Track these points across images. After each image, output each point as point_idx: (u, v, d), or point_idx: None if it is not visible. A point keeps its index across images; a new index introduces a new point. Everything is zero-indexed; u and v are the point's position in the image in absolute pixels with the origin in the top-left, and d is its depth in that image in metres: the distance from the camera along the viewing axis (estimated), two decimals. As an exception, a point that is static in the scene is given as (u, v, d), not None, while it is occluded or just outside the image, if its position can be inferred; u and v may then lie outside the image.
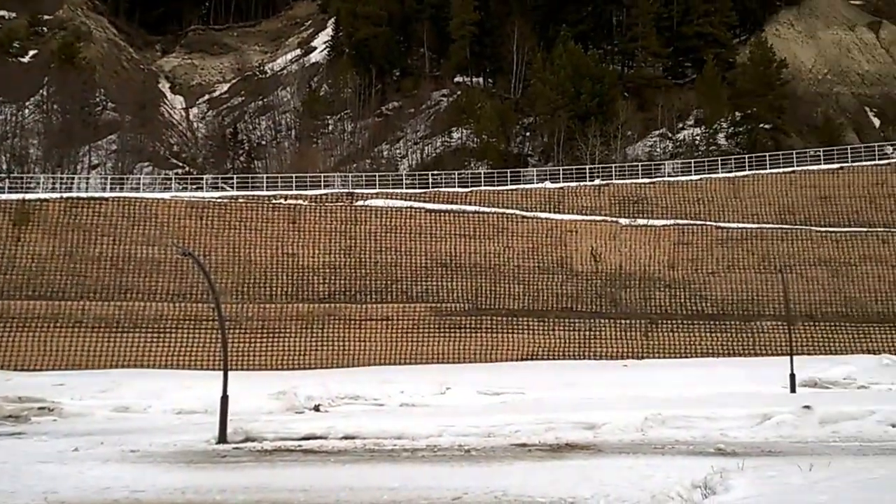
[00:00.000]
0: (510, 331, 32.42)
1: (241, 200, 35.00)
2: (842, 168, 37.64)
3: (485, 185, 39.39)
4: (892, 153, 42.60)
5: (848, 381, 25.98)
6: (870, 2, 66.79)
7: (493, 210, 35.63)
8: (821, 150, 40.81)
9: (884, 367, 29.02)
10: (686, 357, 32.23)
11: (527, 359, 31.58)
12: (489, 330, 32.41)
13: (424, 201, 35.99)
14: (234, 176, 43.68)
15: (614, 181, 38.92)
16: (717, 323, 33.51)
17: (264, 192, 37.42)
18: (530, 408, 18.76)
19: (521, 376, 25.92)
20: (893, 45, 59.40)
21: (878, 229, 35.08)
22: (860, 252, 34.47)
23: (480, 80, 62.45)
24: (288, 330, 31.11)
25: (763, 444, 13.54)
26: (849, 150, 40.03)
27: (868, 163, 38.31)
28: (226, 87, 73.09)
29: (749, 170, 38.69)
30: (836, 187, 36.92)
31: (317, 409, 20.10)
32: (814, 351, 31.85)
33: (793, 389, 21.26)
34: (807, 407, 15.61)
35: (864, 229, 35.15)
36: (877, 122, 53.36)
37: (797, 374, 22.58)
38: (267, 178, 41.36)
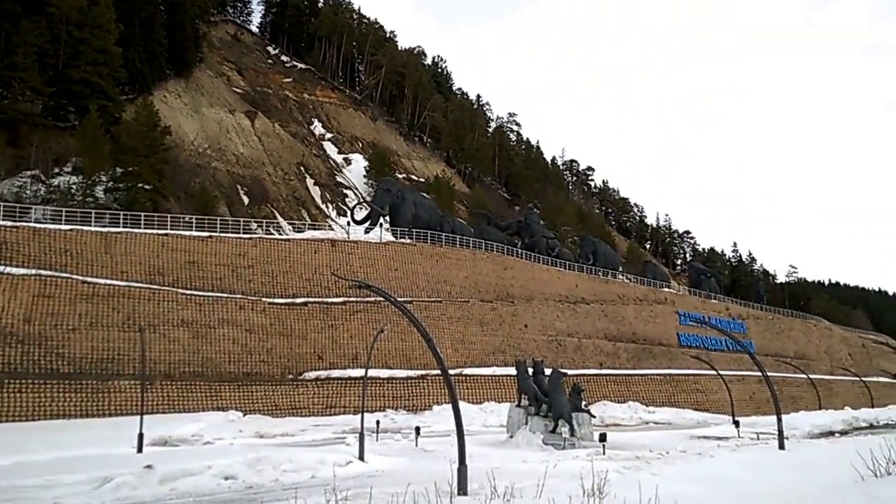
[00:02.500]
0: None
1: None
2: (211, 237, 40.53)
3: None
4: (255, 229, 48.07)
5: (196, 437, 27.31)
6: (248, 93, 75.76)
7: None
8: (194, 217, 43.31)
9: (229, 422, 31.62)
10: (37, 420, 29.31)
11: None
12: None
13: None
14: None
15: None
16: (74, 382, 31.49)
17: None
18: None
19: None
20: (265, 135, 68.26)
21: (237, 296, 38.69)
22: (219, 316, 37.33)
23: None
24: None
25: (99, 510, 12.92)
26: (219, 221, 43.60)
27: (234, 235, 42.30)
28: None
29: (124, 227, 38.28)
30: (204, 254, 39.44)
31: None
32: (170, 409, 32.71)
33: (140, 450, 21.10)
34: (149, 466, 15.61)
35: (225, 295, 38.33)
36: (246, 199, 59.79)
37: (151, 433, 22.65)
38: None
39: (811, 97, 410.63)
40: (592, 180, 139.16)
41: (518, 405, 28.64)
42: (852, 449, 13.09)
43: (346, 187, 74.17)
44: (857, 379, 70.01)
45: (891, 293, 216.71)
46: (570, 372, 40.07)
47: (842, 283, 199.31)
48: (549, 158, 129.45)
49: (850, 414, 49.06)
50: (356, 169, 77.79)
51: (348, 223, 51.86)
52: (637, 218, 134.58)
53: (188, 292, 37.17)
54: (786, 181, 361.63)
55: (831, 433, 35.39)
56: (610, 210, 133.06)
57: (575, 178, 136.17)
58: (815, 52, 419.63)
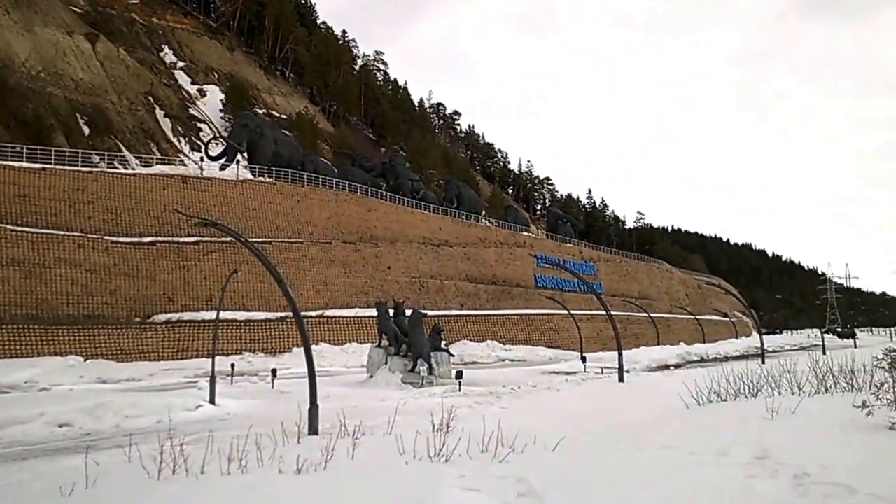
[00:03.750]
0: None
1: None
2: (45, 169, 37.03)
3: None
4: (97, 162, 44.42)
5: (30, 383, 25.42)
6: (89, 13, 68.97)
7: None
8: (26, 147, 39.32)
9: (69, 367, 29.64)
10: None
11: None
12: None
13: None
14: None
15: None
16: None
17: None
18: None
19: None
20: (108, 60, 62.59)
21: (75, 234, 35.85)
22: (56, 254, 34.49)
23: None
24: None
25: None
26: (54, 152, 39.80)
27: (71, 167, 38.86)
28: None
29: (-60, 155, 34.18)
30: (37, 187, 36.06)
31: None
32: (1, 355, 30.22)
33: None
34: (-32, 417, 14.29)
35: (62, 232, 35.39)
36: (87, 130, 54.98)
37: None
38: None
39: (660, 54, 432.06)
40: (458, 125, 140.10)
41: (378, 346, 28.79)
42: (682, 381, 14.12)
43: (201, 121, 70.05)
44: (693, 317, 76.27)
45: (725, 239, 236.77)
46: (431, 313, 40.77)
47: (683, 229, 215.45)
48: (416, 101, 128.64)
49: (685, 349, 53.50)
50: (212, 101, 73.50)
51: (202, 159, 49.11)
52: (501, 163, 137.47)
53: (19, 229, 33.99)
54: (637, 134, 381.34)
55: (667, 367, 38.36)
56: (475, 155, 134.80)
57: (441, 122, 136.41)
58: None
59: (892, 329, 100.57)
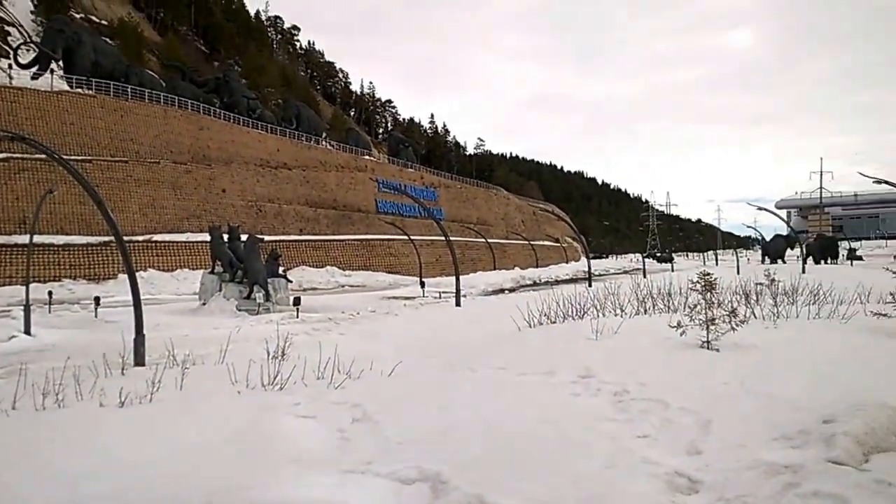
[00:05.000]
0: None
1: None
2: None
3: None
4: None
5: None
6: None
7: None
8: None
9: None
10: None
11: None
12: None
13: None
14: None
15: None
16: None
17: None
18: None
19: None
20: None
21: None
22: None
23: None
24: None
25: None
26: None
27: None
28: None
29: None
30: None
31: None
32: None
33: None
34: None
35: None
36: None
37: None
38: None
39: None
40: (298, 41, 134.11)
41: (212, 272, 27.54)
42: (515, 304, 14.69)
43: (9, 23, 62.03)
44: (527, 242, 79.87)
45: (559, 167, 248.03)
46: (268, 238, 39.62)
47: (520, 156, 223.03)
48: (252, 12, 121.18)
49: (519, 273, 56.07)
50: (21, 3, 65.26)
51: (10, 66, 43.68)
52: (342, 84, 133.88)
53: None
54: (479, 59, 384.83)
55: (502, 290, 40.00)
56: (315, 74, 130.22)
57: (280, 37, 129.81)
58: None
59: (705, 253, 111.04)
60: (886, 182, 27.38)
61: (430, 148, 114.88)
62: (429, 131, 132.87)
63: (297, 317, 21.42)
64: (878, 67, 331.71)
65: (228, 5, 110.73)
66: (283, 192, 53.42)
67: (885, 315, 9.84)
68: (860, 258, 61.73)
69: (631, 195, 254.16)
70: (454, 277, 25.50)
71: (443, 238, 28.01)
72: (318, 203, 56.37)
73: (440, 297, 31.16)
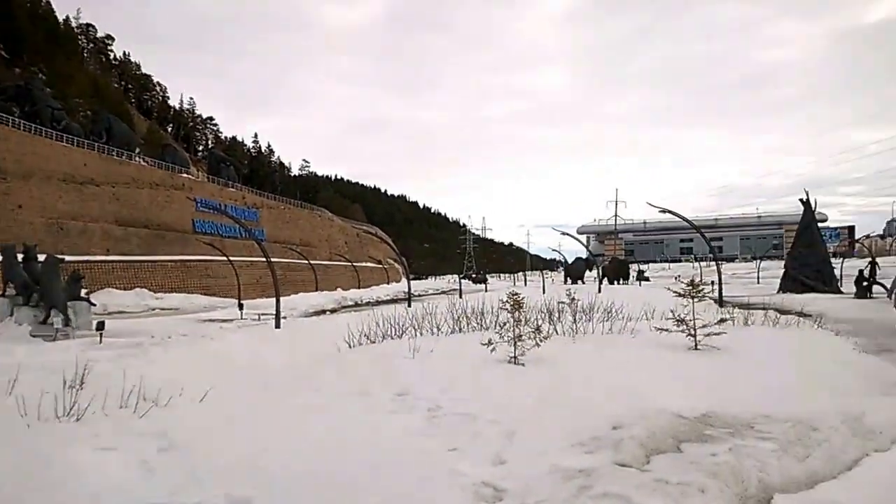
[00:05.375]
0: None
1: None
2: None
3: None
4: None
5: None
6: None
7: None
8: None
9: None
10: None
11: None
12: None
13: None
14: None
15: None
16: None
17: None
18: None
19: None
20: None
21: None
22: None
23: None
24: None
25: None
26: None
27: None
28: None
29: None
30: None
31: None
32: None
33: None
34: None
35: None
36: None
37: None
38: None
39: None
40: (112, 51, 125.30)
41: (3, 295, 24.82)
42: (336, 325, 14.67)
43: None
44: (350, 264, 79.79)
45: (383, 190, 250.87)
46: (70, 258, 36.28)
47: (346, 179, 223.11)
48: (61, 18, 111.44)
49: (342, 294, 55.81)
50: None
51: None
52: (160, 98, 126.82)
53: None
54: (307, 87, 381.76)
55: (324, 311, 39.62)
56: (130, 86, 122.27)
57: (91, 46, 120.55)
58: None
59: (516, 274, 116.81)
60: (670, 211, 30.55)
61: (254, 168, 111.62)
62: (252, 150, 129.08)
63: (101, 342, 19.84)
64: (665, 111, 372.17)
65: (34, 10, 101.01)
66: (90, 209, 49.36)
67: (665, 330, 10.97)
68: (647, 279, 68.46)
69: (450, 219, 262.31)
70: (275, 299, 24.90)
71: (264, 259, 27.25)
72: (128, 221, 52.66)
73: (259, 319, 30.23)
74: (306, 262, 66.77)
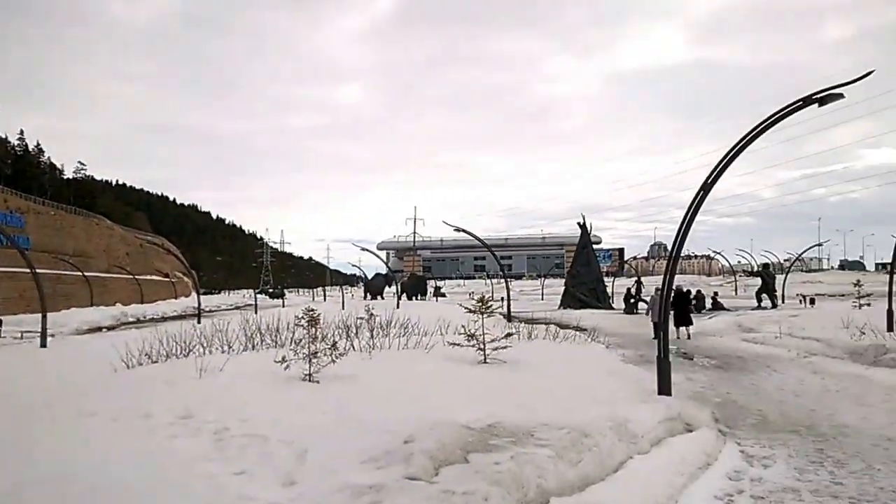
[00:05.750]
0: None
1: None
2: None
3: None
4: None
5: None
6: None
7: None
8: None
9: None
10: None
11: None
12: None
13: None
14: None
15: None
16: None
17: None
18: None
19: None
20: None
21: None
22: None
23: None
24: None
25: None
26: None
27: None
28: None
29: None
30: None
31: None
32: None
33: None
34: None
35: None
36: None
37: None
38: None
39: None
40: None
41: None
42: (113, 344, 13.52)
43: None
44: (132, 277, 74.03)
45: (171, 199, 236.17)
46: None
47: (129, 185, 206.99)
48: None
49: (121, 310, 51.65)
50: None
51: None
52: None
53: None
54: (88, 84, 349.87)
55: (100, 329, 36.39)
56: None
57: None
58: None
59: (315, 290, 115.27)
60: (464, 230, 32.00)
61: (19, 168, 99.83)
62: (17, 149, 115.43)
63: None
64: (461, 135, 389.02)
65: None
66: None
67: (457, 345, 11.41)
68: (444, 295, 71.00)
69: (247, 231, 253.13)
70: (41, 315, 22.41)
71: (29, 270, 24.41)
72: None
73: (22, 338, 27.10)
74: (80, 274, 60.90)
